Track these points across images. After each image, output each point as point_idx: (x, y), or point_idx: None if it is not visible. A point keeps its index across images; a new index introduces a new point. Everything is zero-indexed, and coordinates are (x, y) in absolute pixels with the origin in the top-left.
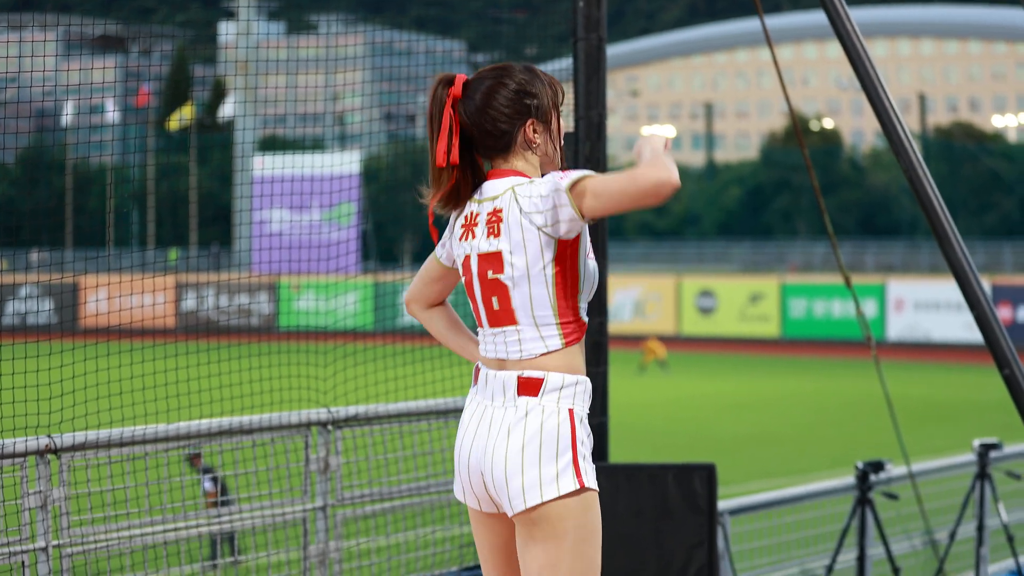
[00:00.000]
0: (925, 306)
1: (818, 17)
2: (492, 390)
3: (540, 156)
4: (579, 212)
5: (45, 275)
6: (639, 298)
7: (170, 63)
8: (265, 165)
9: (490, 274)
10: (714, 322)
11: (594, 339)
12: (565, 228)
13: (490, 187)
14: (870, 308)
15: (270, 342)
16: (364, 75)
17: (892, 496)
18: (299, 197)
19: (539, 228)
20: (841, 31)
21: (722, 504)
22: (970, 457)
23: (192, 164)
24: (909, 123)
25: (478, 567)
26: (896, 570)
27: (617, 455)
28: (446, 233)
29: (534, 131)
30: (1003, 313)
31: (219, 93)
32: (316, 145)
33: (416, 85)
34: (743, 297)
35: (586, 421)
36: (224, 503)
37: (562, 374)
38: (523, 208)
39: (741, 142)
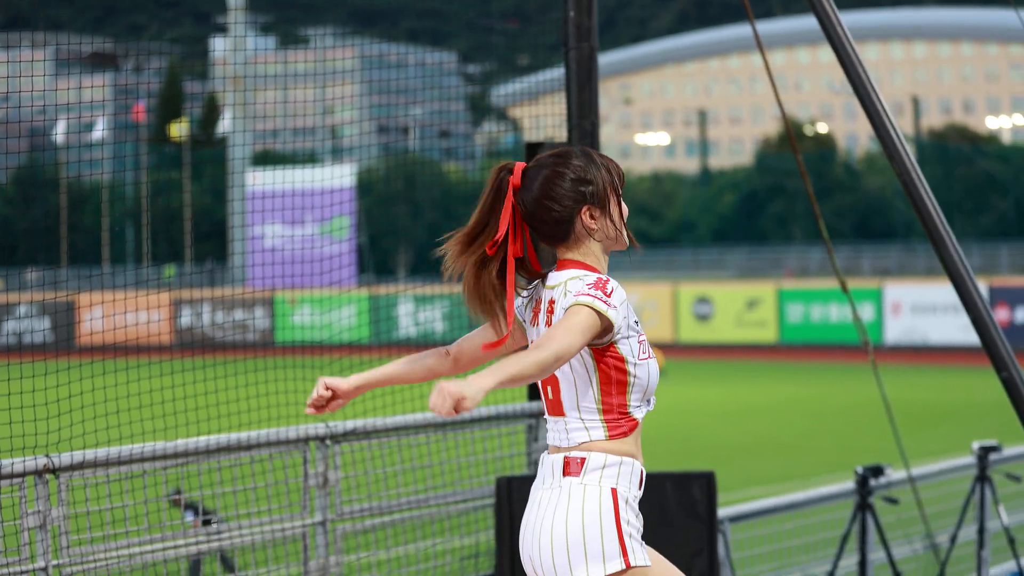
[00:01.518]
0: (922, 309)
1: (810, 22)
2: (543, 474)
3: (601, 240)
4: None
5: (41, 294)
6: (636, 306)
7: (163, 79)
8: (259, 180)
9: None
10: (711, 329)
11: None
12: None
13: (553, 276)
14: (867, 312)
15: (267, 357)
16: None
17: (892, 500)
18: (294, 212)
19: None
20: (832, 35)
21: (722, 511)
22: (970, 460)
23: (186, 180)
24: (903, 126)
25: None
26: (897, 574)
27: None
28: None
29: (591, 217)
30: (1000, 315)
31: (212, 109)
32: (310, 159)
33: (409, 97)
34: (740, 303)
35: (633, 503)
36: (207, 523)
37: (605, 455)
38: (564, 305)
39: (735, 148)
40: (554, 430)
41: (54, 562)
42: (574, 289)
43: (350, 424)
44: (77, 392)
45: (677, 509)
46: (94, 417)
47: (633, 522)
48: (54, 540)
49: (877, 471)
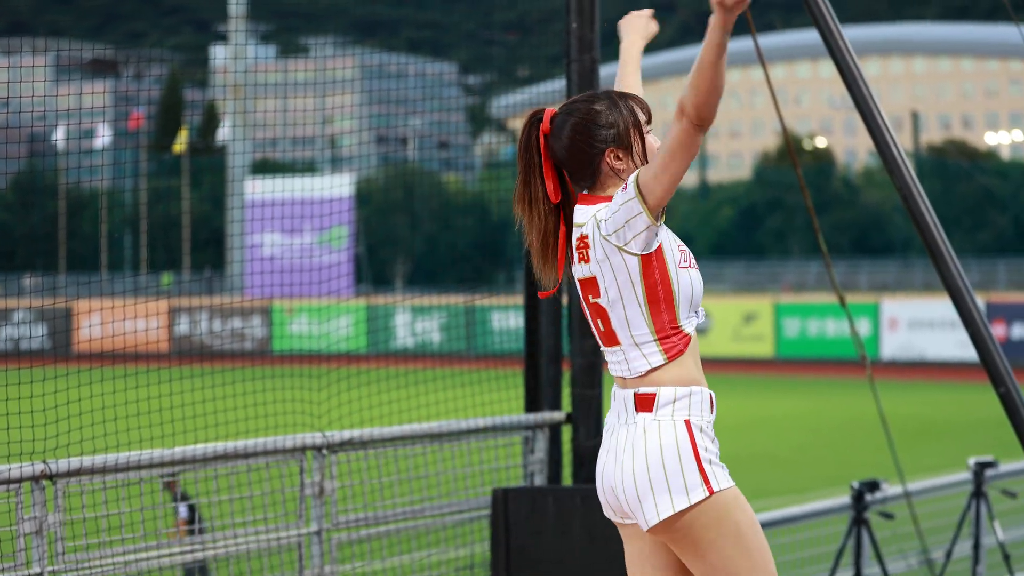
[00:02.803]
0: (919, 324)
1: (811, 36)
2: (617, 409)
3: (629, 174)
4: (649, 212)
5: (39, 300)
6: None
7: (163, 87)
8: (258, 188)
9: (591, 299)
10: (708, 342)
11: (588, 360)
12: (643, 240)
13: (579, 213)
14: (864, 327)
15: (264, 366)
16: (356, 98)
17: (888, 516)
18: (292, 220)
19: (619, 248)
20: (834, 49)
21: None
22: (966, 475)
23: (185, 188)
24: (902, 141)
25: None
26: None
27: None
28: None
29: (616, 158)
30: (998, 331)
31: (212, 117)
32: (309, 168)
33: (408, 108)
34: (737, 317)
35: (708, 429)
36: (191, 532)
37: (674, 387)
38: (603, 232)
39: (734, 162)
40: (613, 361)
41: (50, 568)
42: (606, 215)
43: (347, 434)
44: (75, 399)
45: None
46: (91, 424)
47: (710, 448)
48: (50, 546)
49: (873, 486)
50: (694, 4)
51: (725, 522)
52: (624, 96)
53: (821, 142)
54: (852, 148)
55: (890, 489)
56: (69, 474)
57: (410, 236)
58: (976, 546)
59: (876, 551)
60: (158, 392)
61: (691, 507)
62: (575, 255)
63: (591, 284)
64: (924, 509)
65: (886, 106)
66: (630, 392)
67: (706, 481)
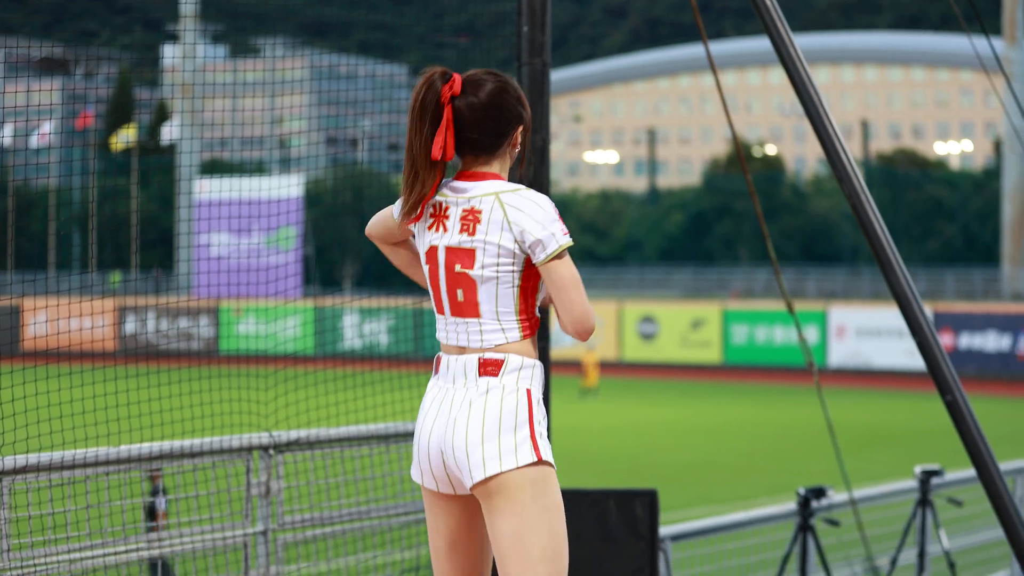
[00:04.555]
0: (867, 333)
1: (761, 43)
2: (454, 374)
3: (512, 159)
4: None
5: None
6: None
7: (113, 86)
8: (207, 188)
9: (458, 268)
10: (656, 348)
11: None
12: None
13: (468, 185)
14: (812, 334)
15: (211, 366)
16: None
17: (833, 522)
18: (240, 220)
19: (518, 242)
20: (785, 57)
21: (664, 530)
22: (912, 484)
23: (134, 187)
24: (852, 149)
25: None
26: None
27: (559, 480)
28: (399, 204)
29: (519, 136)
30: (945, 340)
31: (162, 116)
32: (258, 169)
33: (359, 109)
34: (685, 323)
35: (542, 403)
36: (154, 528)
37: (521, 356)
38: (510, 218)
39: (683, 168)
40: (461, 331)
41: None
42: (519, 205)
43: (293, 434)
44: (20, 396)
45: (619, 526)
46: (37, 422)
47: (542, 422)
48: None
49: (819, 493)
50: (644, 10)
51: (541, 493)
52: None
53: (771, 149)
54: (802, 155)
55: (836, 496)
56: (15, 472)
57: (359, 238)
58: (921, 554)
59: (821, 558)
60: (105, 391)
61: (516, 468)
62: (452, 224)
63: (464, 255)
64: (870, 517)
65: (836, 114)
66: (473, 357)
67: (536, 448)
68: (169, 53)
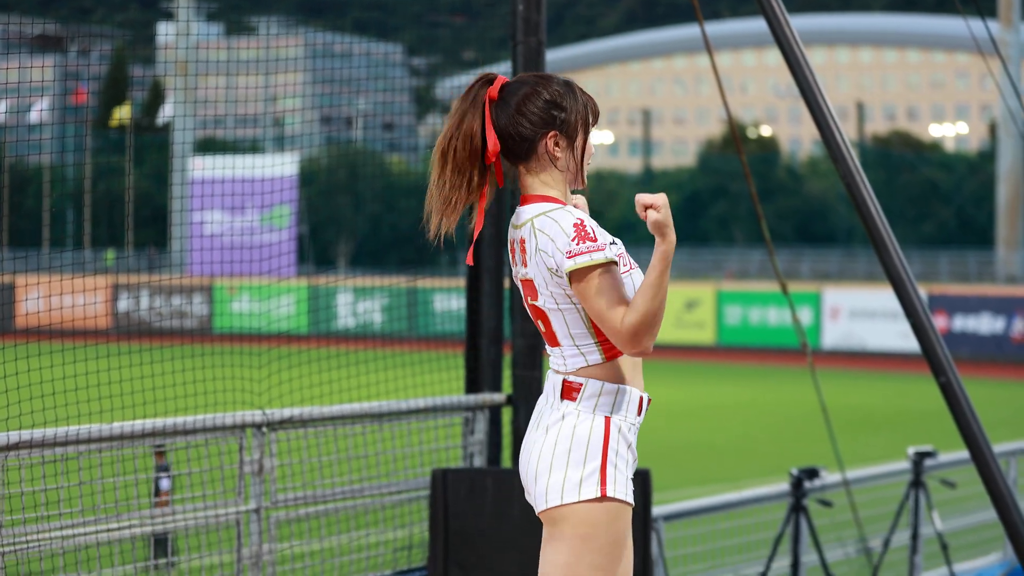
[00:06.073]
0: (861, 314)
1: (757, 24)
2: (547, 392)
3: (563, 171)
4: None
5: None
6: None
7: (109, 63)
8: (202, 166)
9: (530, 300)
10: None
11: (529, 342)
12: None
13: (519, 211)
14: (806, 316)
15: (205, 344)
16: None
17: (826, 503)
18: (234, 198)
19: (550, 270)
20: (781, 38)
21: (656, 510)
22: (905, 465)
23: (129, 165)
24: (847, 131)
25: (411, 570)
26: None
27: None
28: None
29: (556, 144)
30: (938, 322)
31: (157, 94)
32: (254, 147)
33: (354, 87)
34: (679, 304)
35: (628, 433)
36: (164, 504)
37: (602, 381)
38: (540, 245)
39: (678, 148)
40: (554, 356)
41: None
42: (546, 229)
43: (287, 412)
44: (13, 372)
45: None
46: (30, 398)
47: (623, 453)
48: None
49: (812, 473)
50: None
51: (600, 528)
52: (582, 90)
53: (766, 130)
54: (797, 137)
55: (829, 477)
56: (8, 448)
57: (353, 216)
58: (914, 535)
59: (814, 538)
60: (97, 368)
61: (578, 502)
62: (515, 255)
63: (530, 287)
64: (863, 498)
65: (832, 96)
66: (560, 378)
67: (603, 482)
68: (164, 31)
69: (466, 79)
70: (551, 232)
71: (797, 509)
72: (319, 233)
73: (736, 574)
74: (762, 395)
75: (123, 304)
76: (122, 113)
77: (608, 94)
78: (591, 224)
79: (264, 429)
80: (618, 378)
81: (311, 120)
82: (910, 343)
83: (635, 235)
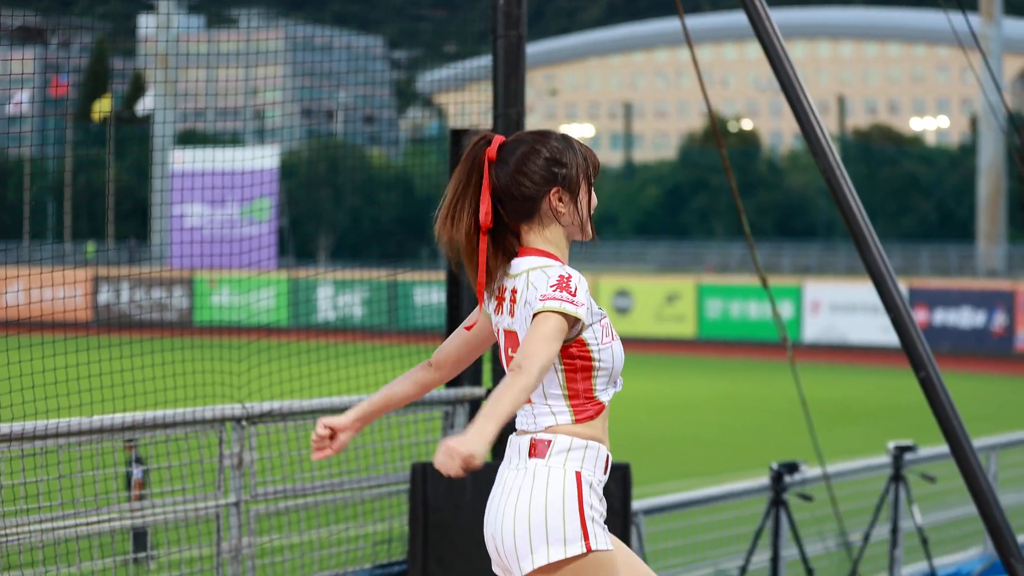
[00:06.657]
0: (841, 308)
1: (738, 18)
2: (510, 454)
3: (567, 226)
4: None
5: None
6: None
7: (89, 55)
8: (182, 159)
9: (510, 351)
10: (630, 322)
11: None
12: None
13: (515, 264)
14: (786, 310)
15: (185, 337)
16: (283, 70)
17: (806, 497)
18: (214, 191)
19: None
20: (761, 32)
21: (636, 504)
22: (885, 459)
23: (110, 157)
24: (828, 125)
25: (391, 564)
26: (810, 571)
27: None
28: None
29: (559, 200)
30: (919, 316)
31: (138, 86)
32: (234, 140)
33: (335, 81)
34: (659, 297)
35: (598, 487)
36: (141, 497)
37: (571, 437)
38: (528, 299)
39: (659, 142)
40: (522, 414)
41: None
42: (537, 283)
43: (266, 406)
44: None
45: None
46: (9, 391)
47: (596, 506)
48: None
49: (792, 468)
50: None
51: None
52: (579, 142)
53: (747, 124)
54: (778, 131)
55: (809, 471)
56: None
57: (334, 209)
58: (894, 530)
59: (794, 532)
60: (77, 361)
61: (565, 560)
62: (502, 304)
63: (512, 338)
64: (843, 492)
65: (812, 90)
66: (526, 437)
67: (586, 537)
68: (145, 23)
69: (447, 72)
70: (539, 284)
71: (777, 503)
72: (300, 226)
73: (716, 568)
74: (742, 389)
75: (104, 297)
76: (103, 106)
77: (589, 87)
78: (578, 283)
79: (244, 423)
80: (588, 435)
81: (292, 113)
82: (891, 337)
83: (616, 228)
